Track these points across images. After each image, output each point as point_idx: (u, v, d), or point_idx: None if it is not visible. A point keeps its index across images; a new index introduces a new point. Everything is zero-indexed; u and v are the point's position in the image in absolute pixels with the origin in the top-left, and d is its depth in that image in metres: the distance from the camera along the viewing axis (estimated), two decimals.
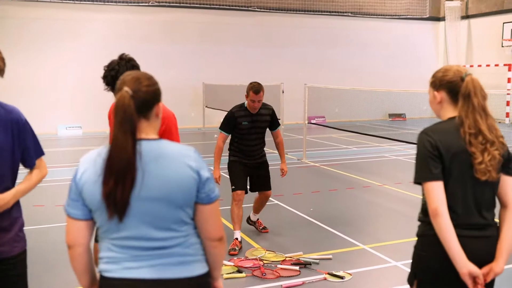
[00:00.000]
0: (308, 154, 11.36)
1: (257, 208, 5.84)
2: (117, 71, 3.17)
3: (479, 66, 20.15)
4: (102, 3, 16.94)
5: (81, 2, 16.69)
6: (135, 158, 1.79)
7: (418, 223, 2.42)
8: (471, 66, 20.67)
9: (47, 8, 16.42)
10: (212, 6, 18.31)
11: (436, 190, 2.22)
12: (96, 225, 1.92)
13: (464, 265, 2.21)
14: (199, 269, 1.93)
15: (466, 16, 21.12)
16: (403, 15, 21.35)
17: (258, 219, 5.94)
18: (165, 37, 17.85)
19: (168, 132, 3.26)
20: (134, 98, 1.82)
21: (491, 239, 2.31)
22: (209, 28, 18.43)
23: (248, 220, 5.97)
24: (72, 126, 16.67)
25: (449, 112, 2.36)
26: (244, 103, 5.45)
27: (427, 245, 2.32)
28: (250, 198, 6.08)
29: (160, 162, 1.84)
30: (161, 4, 17.68)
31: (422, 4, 21.68)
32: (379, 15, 20.96)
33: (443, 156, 2.24)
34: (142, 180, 1.80)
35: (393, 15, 21.20)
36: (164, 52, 17.77)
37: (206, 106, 17.39)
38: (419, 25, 21.87)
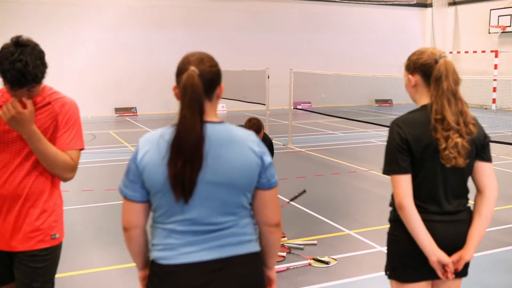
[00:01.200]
0: (294, 139, 11.27)
1: None
2: (25, 63, 2.17)
3: (466, 52, 20.16)
4: None
5: None
6: (203, 139, 1.75)
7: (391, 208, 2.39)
8: (458, 52, 20.68)
9: None
10: None
11: (402, 183, 2.20)
12: (152, 208, 1.88)
13: (433, 253, 2.20)
14: (255, 247, 1.92)
15: (454, 3, 21.08)
16: (390, 1, 21.23)
17: None
18: (150, 22, 17.58)
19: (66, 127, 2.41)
20: (201, 78, 1.78)
21: (462, 223, 2.29)
22: (195, 13, 18.16)
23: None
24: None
25: (424, 96, 2.29)
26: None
27: (399, 229, 2.29)
28: None
29: (225, 146, 1.80)
30: None
31: None
32: (366, 1, 20.82)
33: (413, 148, 2.20)
34: (207, 163, 1.76)
35: (380, 1, 21.07)
36: (148, 37, 17.53)
37: None
38: (406, 11, 21.80)
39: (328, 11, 20.18)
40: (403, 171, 2.20)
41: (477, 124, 2.27)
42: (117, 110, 17.29)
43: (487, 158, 2.31)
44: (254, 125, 5.13)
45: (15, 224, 2.33)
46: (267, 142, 5.29)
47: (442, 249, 2.22)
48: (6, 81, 2.19)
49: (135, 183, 1.83)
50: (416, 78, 2.29)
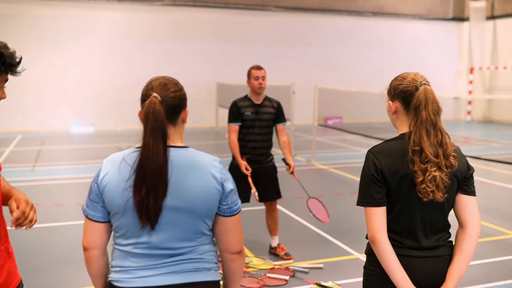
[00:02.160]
0: (319, 156, 11.08)
1: (272, 227, 5.22)
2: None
3: (505, 68, 19.52)
4: (117, 1, 16.94)
5: (96, 0, 16.73)
6: (167, 166, 1.77)
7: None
8: (496, 68, 20.06)
9: (60, 5, 16.49)
10: (227, 5, 18.14)
11: (376, 216, 2.08)
12: (112, 228, 1.89)
13: None
14: (212, 276, 1.89)
15: (492, 17, 20.49)
16: (425, 15, 20.83)
17: (278, 243, 5.22)
18: (179, 36, 17.78)
19: None
20: (163, 104, 1.79)
21: (441, 259, 2.14)
22: (223, 27, 18.29)
23: (270, 249, 5.25)
24: (84, 123, 16.69)
25: (405, 124, 2.16)
26: (246, 95, 5.12)
27: (374, 264, 2.16)
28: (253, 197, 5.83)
29: (186, 172, 1.81)
30: (176, 3, 17.60)
31: (445, 4, 21.12)
32: (400, 15, 20.50)
33: (388, 180, 2.07)
34: (170, 189, 1.78)
35: (415, 15, 20.70)
36: (177, 51, 17.71)
37: (219, 105, 17.24)
38: (442, 25, 21.31)
39: (361, 25, 19.96)
40: (377, 204, 2.08)
41: (459, 156, 2.13)
42: None
43: (470, 191, 2.16)
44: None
45: None
46: (275, 102, 5.14)
47: (419, 286, 2.08)
48: None
49: (96, 203, 1.85)
50: (396, 105, 2.17)
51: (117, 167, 1.81)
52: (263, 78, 4.97)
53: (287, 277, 4.54)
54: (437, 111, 2.08)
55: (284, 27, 18.98)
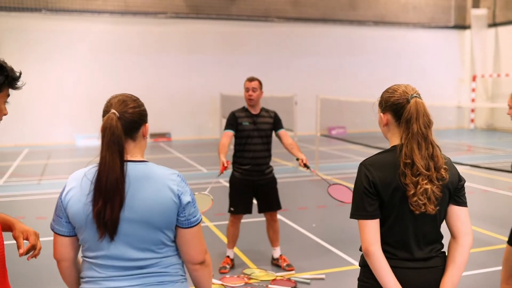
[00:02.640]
0: (322, 166, 11.13)
1: (273, 238, 5.25)
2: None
3: (507, 75, 19.55)
4: (120, 15, 17.13)
5: (100, 13, 16.92)
6: (123, 179, 1.85)
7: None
8: (498, 75, 20.08)
9: (66, 19, 16.68)
10: (230, 16, 18.30)
11: (369, 229, 2.11)
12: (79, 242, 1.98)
13: None
14: (181, 287, 1.97)
15: (494, 24, 20.55)
16: (427, 24, 20.92)
17: (281, 254, 5.25)
18: (182, 48, 17.93)
19: None
20: (121, 120, 1.88)
21: (434, 270, 2.17)
22: (226, 39, 18.43)
23: (272, 260, 5.29)
24: (90, 136, 16.80)
25: (396, 136, 2.20)
26: (244, 106, 5.20)
27: (368, 275, 2.19)
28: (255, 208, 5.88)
29: (143, 184, 1.88)
30: (179, 15, 17.77)
31: (446, 12, 21.21)
32: (402, 24, 20.59)
33: (381, 192, 2.11)
34: (126, 201, 1.86)
35: (417, 24, 20.79)
36: (181, 63, 17.86)
37: (224, 117, 17.31)
38: (444, 33, 21.39)
39: (363, 35, 20.04)
40: (370, 216, 2.12)
41: (450, 168, 2.17)
42: (152, 135, 17.62)
43: (462, 202, 2.20)
44: None
45: None
46: (272, 112, 5.26)
47: None
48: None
49: (61, 218, 1.94)
50: (387, 117, 2.21)
51: (79, 183, 1.91)
52: (254, 89, 5.05)
53: None
54: (428, 124, 2.11)
55: (286, 38, 19.11)
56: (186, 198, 1.92)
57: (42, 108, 16.60)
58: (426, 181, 2.06)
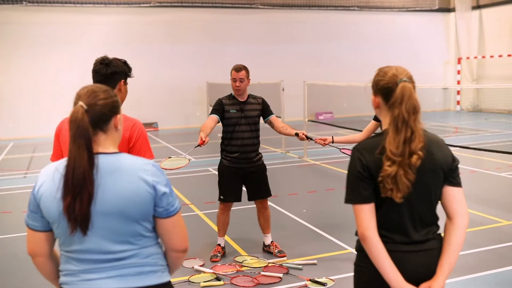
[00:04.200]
0: (310, 152, 11.12)
1: (264, 225, 5.23)
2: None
3: (491, 57, 19.65)
4: (104, 5, 16.88)
5: (83, 4, 16.66)
6: (92, 172, 1.80)
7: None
8: (483, 57, 20.18)
9: (49, 11, 16.40)
10: (214, 4, 18.13)
11: (364, 213, 2.08)
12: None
13: (398, 285, 2.06)
14: (158, 278, 1.93)
15: (477, 6, 20.60)
16: (411, 8, 20.91)
17: (272, 241, 5.23)
18: (167, 37, 17.77)
19: (140, 144, 2.82)
20: (89, 112, 1.83)
21: (431, 252, 2.14)
22: (211, 27, 18.28)
23: (264, 247, 5.28)
24: None
25: (387, 119, 2.15)
26: (231, 93, 5.12)
27: (364, 260, 2.16)
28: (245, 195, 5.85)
29: (114, 176, 1.84)
30: (162, 4, 17.57)
31: None
32: (386, 8, 20.56)
33: (374, 176, 2.06)
34: (97, 194, 1.81)
35: (401, 8, 20.77)
36: (167, 52, 17.70)
37: (210, 105, 17.24)
38: (429, 17, 21.40)
39: (348, 20, 20.00)
40: (365, 200, 2.08)
41: (443, 148, 2.14)
42: None
43: (456, 183, 2.16)
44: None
45: None
46: (259, 99, 5.17)
47: (411, 280, 2.08)
48: None
49: (35, 213, 1.90)
50: (378, 100, 2.18)
51: (51, 177, 1.87)
52: (241, 80, 4.97)
53: (281, 275, 4.57)
54: (413, 110, 2.05)
55: (271, 24, 19.00)
56: (162, 188, 1.88)
57: (27, 101, 16.37)
58: (389, 164, 2.01)
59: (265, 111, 5.15)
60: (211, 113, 5.06)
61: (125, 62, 2.98)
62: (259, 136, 5.18)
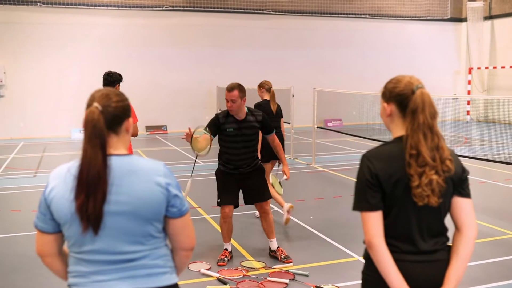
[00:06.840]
0: (318, 158, 11.13)
1: (268, 230, 5.20)
2: None
3: (503, 67, 19.57)
4: (116, 8, 17.03)
5: (96, 6, 16.81)
6: (106, 171, 1.82)
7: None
8: (494, 67, 20.10)
9: (61, 12, 16.56)
10: (227, 10, 18.21)
11: (371, 221, 2.08)
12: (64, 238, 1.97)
13: None
14: (167, 280, 1.96)
15: (490, 17, 20.54)
16: (423, 17, 20.89)
17: (278, 247, 5.21)
18: (179, 41, 17.86)
19: None
20: (103, 113, 1.87)
21: (439, 263, 2.13)
22: (223, 31, 18.35)
23: (270, 252, 5.26)
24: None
25: (399, 127, 2.16)
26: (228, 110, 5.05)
27: (371, 268, 2.16)
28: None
29: (128, 178, 1.87)
30: (174, 8, 17.67)
31: (443, 5, 21.17)
32: (398, 17, 20.55)
33: (383, 184, 2.07)
34: (111, 195, 1.83)
35: (413, 17, 20.75)
36: (178, 56, 17.79)
37: (219, 110, 17.31)
38: (440, 26, 21.36)
39: (359, 27, 20.00)
40: (372, 208, 2.08)
41: (455, 159, 2.15)
42: (148, 128, 17.56)
43: (466, 194, 2.17)
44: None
45: None
46: (259, 116, 5.03)
47: None
48: None
49: (45, 215, 1.92)
50: (391, 108, 2.17)
51: (62, 179, 1.89)
52: (233, 101, 4.82)
53: (287, 281, 4.59)
54: (434, 115, 2.08)
55: (282, 31, 19.05)
56: (173, 190, 1.92)
57: (37, 101, 16.50)
58: (432, 172, 2.04)
59: (264, 129, 5.10)
60: (206, 128, 4.91)
61: (119, 74, 5.38)
62: (256, 150, 5.18)
